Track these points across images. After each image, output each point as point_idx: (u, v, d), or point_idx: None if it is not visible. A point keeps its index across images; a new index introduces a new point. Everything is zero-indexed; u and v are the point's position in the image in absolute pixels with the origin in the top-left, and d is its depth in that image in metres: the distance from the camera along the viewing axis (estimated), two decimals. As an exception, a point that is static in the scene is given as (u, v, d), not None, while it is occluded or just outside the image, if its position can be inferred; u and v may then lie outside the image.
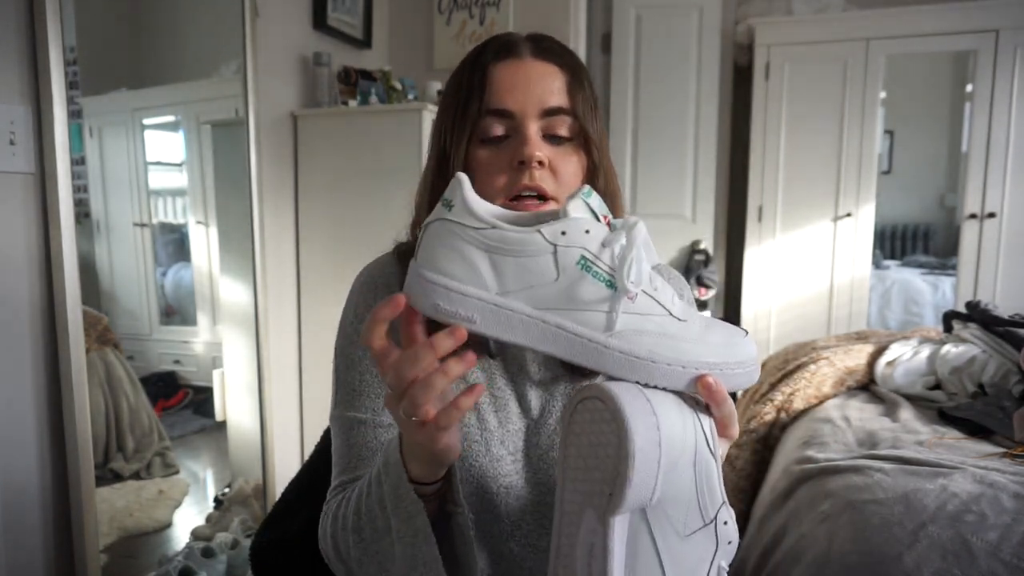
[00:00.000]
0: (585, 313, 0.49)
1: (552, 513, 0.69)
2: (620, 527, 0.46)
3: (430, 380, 0.49)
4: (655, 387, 0.49)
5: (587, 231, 0.49)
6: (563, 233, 0.48)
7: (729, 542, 0.50)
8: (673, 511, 0.48)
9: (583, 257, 0.49)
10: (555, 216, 0.50)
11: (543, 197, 0.68)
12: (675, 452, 0.47)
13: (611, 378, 0.50)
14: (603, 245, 0.49)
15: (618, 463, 0.45)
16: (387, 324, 0.50)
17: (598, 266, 0.49)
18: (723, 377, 0.50)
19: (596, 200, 0.51)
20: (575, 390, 0.53)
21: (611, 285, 0.49)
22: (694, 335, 0.50)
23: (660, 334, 0.49)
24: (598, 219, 0.50)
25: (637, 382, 0.49)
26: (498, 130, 0.70)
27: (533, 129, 0.69)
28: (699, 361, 0.49)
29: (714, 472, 0.49)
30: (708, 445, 0.49)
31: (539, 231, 0.48)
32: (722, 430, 0.53)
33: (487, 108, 0.69)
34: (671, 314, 0.51)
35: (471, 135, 0.70)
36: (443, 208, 0.51)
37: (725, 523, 0.49)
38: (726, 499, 0.50)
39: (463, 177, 0.51)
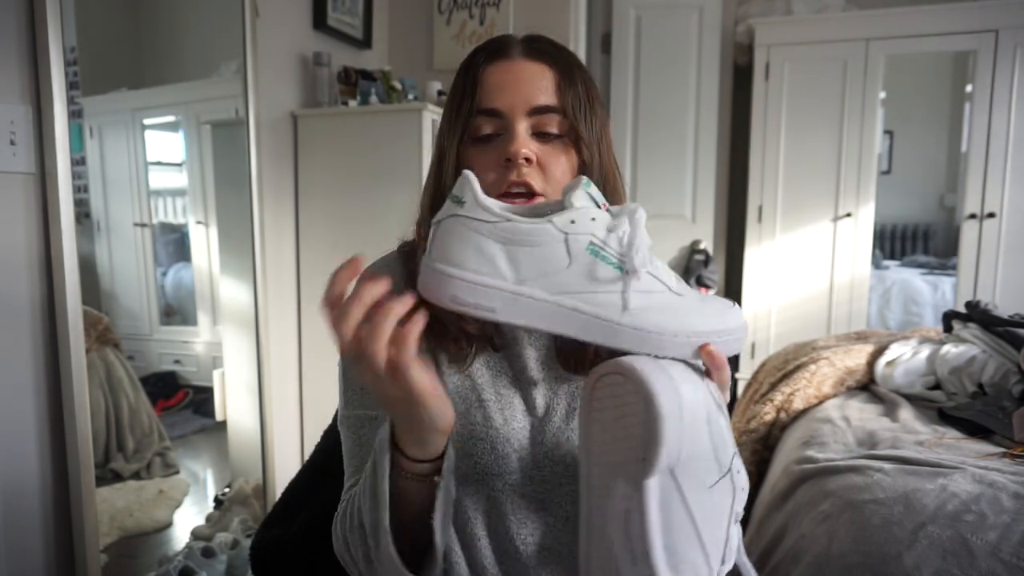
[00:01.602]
0: (597, 295, 0.53)
1: (558, 511, 0.70)
2: (655, 489, 0.50)
3: (374, 323, 0.50)
4: (664, 357, 0.53)
5: (593, 219, 0.53)
6: (572, 222, 0.52)
7: (743, 488, 0.54)
8: (696, 466, 0.51)
9: (591, 243, 0.52)
10: (557, 207, 0.54)
11: (531, 194, 0.69)
12: (693, 412, 0.51)
13: (620, 354, 0.54)
14: (608, 231, 0.53)
15: (648, 428, 0.49)
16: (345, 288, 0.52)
17: (606, 250, 0.52)
18: (720, 344, 0.55)
19: (595, 190, 0.55)
20: (591, 372, 0.55)
21: (619, 267, 0.52)
22: (693, 307, 0.55)
23: (664, 308, 0.54)
24: (599, 207, 0.54)
25: (648, 354, 0.53)
26: (488, 129, 0.71)
27: (521, 127, 0.70)
28: (699, 331, 0.54)
29: (723, 426, 0.53)
30: (716, 402, 0.54)
31: (551, 221, 0.52)
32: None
33: (478, 108, 0.71)
34: (670, 289, 0.55)
35: (463, 134, 0.72)
36: (454, 205, 0.53)
37: (739, 471, 0.54)
38: (736, 449, 0.54)
39: (471, 175, 0.54)
